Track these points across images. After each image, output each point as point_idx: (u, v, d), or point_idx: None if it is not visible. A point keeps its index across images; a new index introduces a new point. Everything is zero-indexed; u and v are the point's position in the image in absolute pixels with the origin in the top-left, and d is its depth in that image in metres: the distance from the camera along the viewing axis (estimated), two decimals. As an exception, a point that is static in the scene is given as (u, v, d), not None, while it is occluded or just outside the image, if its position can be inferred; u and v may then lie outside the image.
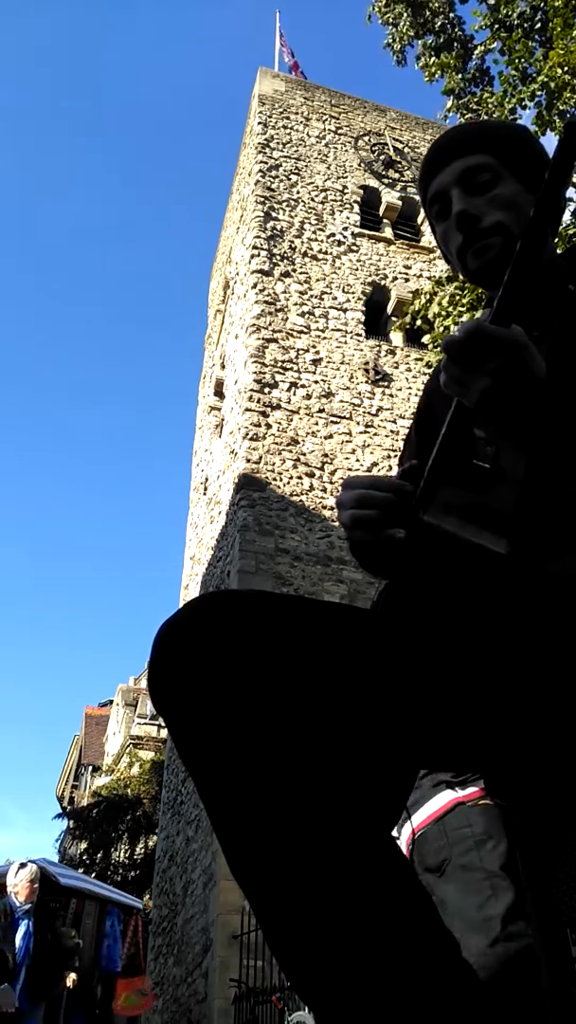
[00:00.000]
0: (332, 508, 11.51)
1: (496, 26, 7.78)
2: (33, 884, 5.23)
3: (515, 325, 0.77)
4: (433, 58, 8.31)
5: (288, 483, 11.45)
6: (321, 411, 12.31)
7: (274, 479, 11.39)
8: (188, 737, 0.73)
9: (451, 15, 8.52)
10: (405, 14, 8.39)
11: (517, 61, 7.18)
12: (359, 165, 15.86)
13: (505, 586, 0.78)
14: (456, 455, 0.77)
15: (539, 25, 7.79)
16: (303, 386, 12.47)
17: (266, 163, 14.92)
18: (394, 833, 1.06)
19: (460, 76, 8.31)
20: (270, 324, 12.84)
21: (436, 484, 0.76)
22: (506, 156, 1.07)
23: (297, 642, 0.75)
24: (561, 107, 6.71)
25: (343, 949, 0.63)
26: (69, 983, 5.46)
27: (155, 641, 0.76)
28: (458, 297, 7.31)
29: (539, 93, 6.81)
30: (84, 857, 18.49)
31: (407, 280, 14.39)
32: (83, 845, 19.34)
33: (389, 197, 15.51)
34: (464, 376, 0.77)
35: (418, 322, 8.10)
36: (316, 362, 12.81)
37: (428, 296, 7.79)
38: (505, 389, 0.75)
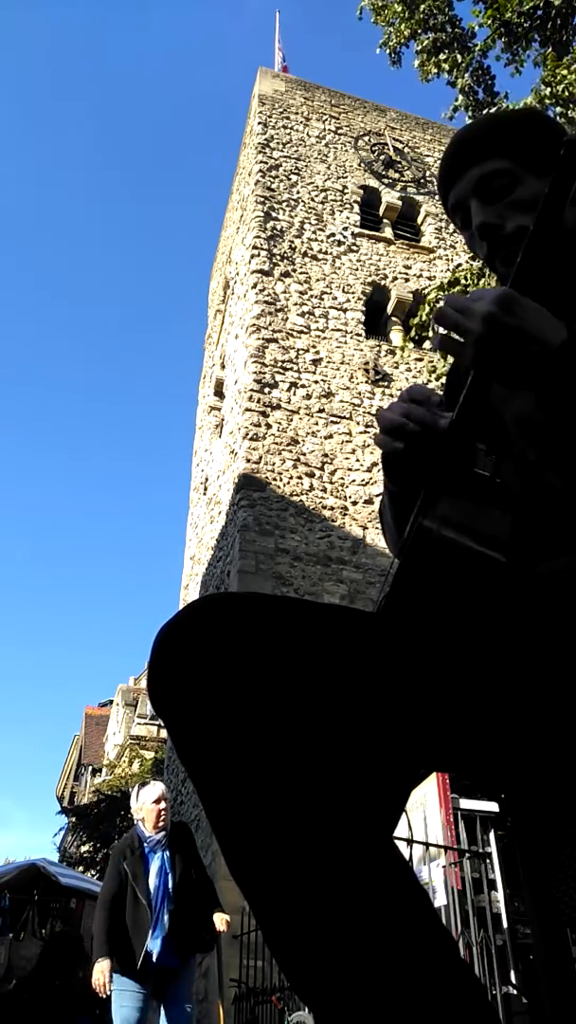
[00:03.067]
0: (332, 508, 11.51)
1: (496, 24, 7.77)
2: (160, 805, 4.01)
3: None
4: (433, 57, 8.30)
5: (288, 483, 11.45)
6: (321, 411, 12.31)
7: (274, 479, 11.39)
8: (187, 739, 0.73)
9: (449, 13, 8.50)
10: (400, 10, 8.37)
11: (548, 79, 7.19)
12: (359, 165, 15.86)
13: (501, 589, 0.79)
14: (457, 463, 0.77)
15: (538, 22, 7.78)
16: (303, 386, 12.46)
17: (266, 163, 14.91)
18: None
19: (467, 75, 8.30)
20: (270, 324, 12.83)
21: (437, 491, 0.76)
22: (522, 154, 1.03)
23: (296, 644, 0.75)
24: (571, 114, 6.72)
25: (342, 950, 0.63)
26: (222, 925, 4.00)
27: (155, 643, 0.76)
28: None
29: (550, 103, 6.81)
30: (85, 854, 18.49)
31: (407, 280, 14.39)
32: (84, 843, 19.33)
33: (389, 197, 15.51)
34: (461, 321, 0.78)
35: (420, 325, 8.15)
36: (316, 362, 12.80)
37: (432, 304, 7.84)
38: (500, 338, 0.76)
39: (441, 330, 0.82)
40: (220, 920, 4.02)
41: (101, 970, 3.66)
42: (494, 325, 0.77)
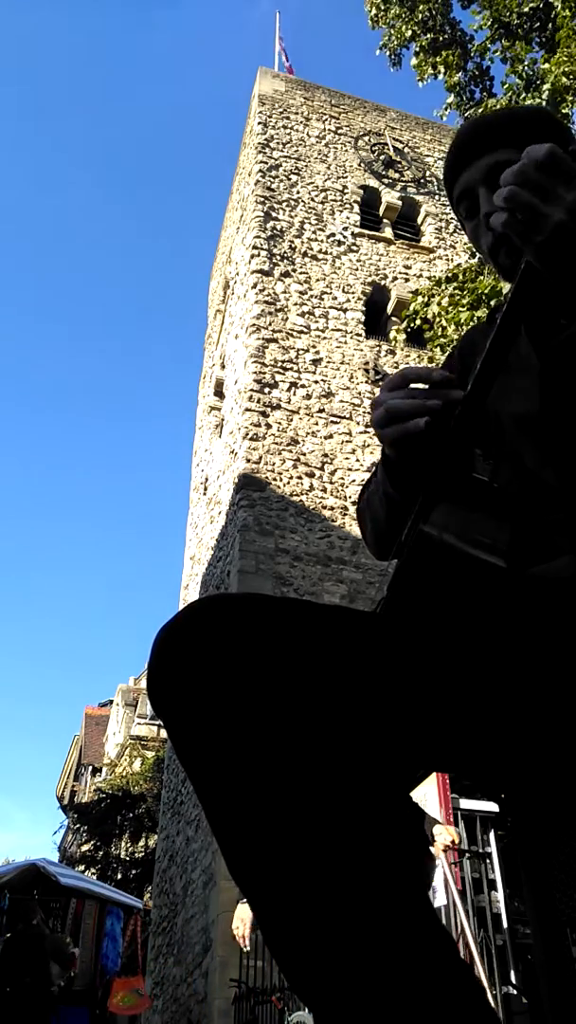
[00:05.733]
0: (332, 508, 11.51)
1: (495, 25, 7.78)
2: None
3: None
4: (430, 58, 8.30)
5: (288, 483, 11.45)
6: (321, 411, 12.31)
7: (274, 479, 11.39)
8: (186, 740, 0.73)
9: (449, 16, 8.51)
10: (400, 13, 8.38)
11: (521, 69, 7.19)
12: (359, 165, 15.86)
13: (500, 593, 0.79)
14: (456, 468, 0.77)
15: (538, 24, 7.79)
16: (303, 386, 12.47)
17: (266, 163, 14.92)
18: None
19: (460, 75, 8.30)
20: (270, 324, 12.84)
21: (436, 496, 0.76)
22: None
23: (296, 645, 0.75)
24: (564, 110, 6.72)
25: (341, 950, 0.63)
26: (445, 837, 3.27)
27: (154, 644, 0.76)
28: (457, 297, 7.30)
29: (543, 101, 6.81)
30: (86, 851, 18.50)
31: (407, 280, 14.39)
32: (85, 842, 19.35)
33: (389, 197, 15.51)
34: (535, 204, 0.71)
35: (417, 321, 8.08)
36: (316, 362, 12.81)
37: (427, 297, 7.78)
38: None
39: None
40: (444, 832, 2.95)
41: (241, 918, 2.88)
42: None
